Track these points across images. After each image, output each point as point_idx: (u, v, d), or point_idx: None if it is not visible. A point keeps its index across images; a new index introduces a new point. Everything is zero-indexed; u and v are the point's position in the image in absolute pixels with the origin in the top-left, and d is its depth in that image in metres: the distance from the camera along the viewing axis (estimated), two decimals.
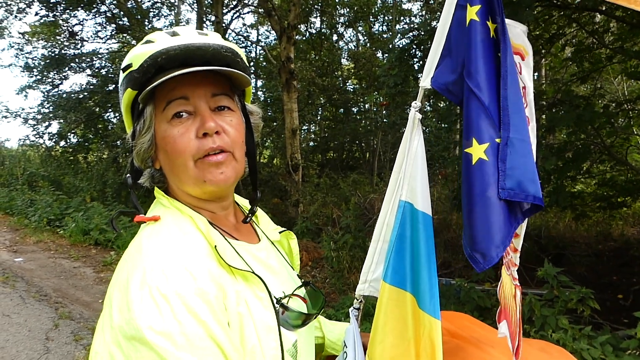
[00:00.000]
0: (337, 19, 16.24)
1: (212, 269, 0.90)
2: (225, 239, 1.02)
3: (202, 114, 0.98)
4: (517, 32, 1.37)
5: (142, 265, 0.84)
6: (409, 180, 1.32)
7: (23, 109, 15.59)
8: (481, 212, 1.16)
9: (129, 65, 0.98)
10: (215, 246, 0.93)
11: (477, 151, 1.18)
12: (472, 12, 1.24)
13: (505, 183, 1.14)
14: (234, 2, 15.03)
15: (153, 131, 1.01)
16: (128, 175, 1.06)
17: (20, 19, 18.42)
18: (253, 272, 0.96)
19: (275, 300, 0.98)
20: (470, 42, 1.25)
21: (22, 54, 15.79)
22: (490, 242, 1.15)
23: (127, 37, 15.19)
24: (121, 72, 1.01)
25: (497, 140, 1.17)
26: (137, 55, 0.97)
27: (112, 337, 0.78)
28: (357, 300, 1.43)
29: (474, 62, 1.22)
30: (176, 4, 16.67)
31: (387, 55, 13.84)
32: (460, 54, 1.28)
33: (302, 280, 1.21)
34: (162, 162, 1.04)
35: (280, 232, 1.28)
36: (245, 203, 1.28)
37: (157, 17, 16.16)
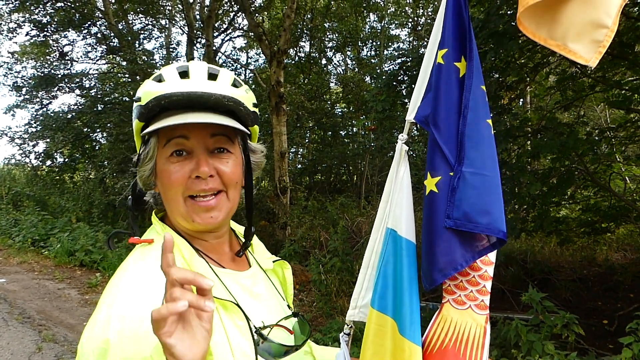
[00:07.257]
0: (326, 43, 16.46)
1: None
2: (210, 267, 1.05)
3: (197, 157, 1.02)
4: None
5: (115, 291, 0.94)
6: (395, 209, 1.37)
7: (10, 128, 15.30)
8: (426, 238, 1.25)
9: (139, 99, 1.05)
10: None
11: (430, 184, 1.26)
12: (439, 56, 1.32)
13: (453, 213, 1.20)
14: (225, 26, 15.22)
15: (155, 161, 1.06)
16: (129, 197, 1.14)
17: (10, 39, 18.27)
18: (232, 301, 0.99)
19: (254, 330, 1.01)
20: (433, 83, 1.33)
21: (11, 74, 15.66)
22: (433, 266, 1.22)
23: (117, 58, 15.21)
24: (134, 101, 1.08)
25: (451, 173, 1.23)
26: (146, 92, 1.03)
27: (79, 352, 0.89)
28: (348, 325, 1.46)
29: (434, 101, 1.31)
30: (167, 26, 16.81)
31: (375, 79, 14.02)
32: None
33: (292, 311, 1.23)
34: (159, 190, 1.10)
35: (274, 262, 1.31)
36: (242, 230, 1.31)
37: (148, 39, 16.29)
